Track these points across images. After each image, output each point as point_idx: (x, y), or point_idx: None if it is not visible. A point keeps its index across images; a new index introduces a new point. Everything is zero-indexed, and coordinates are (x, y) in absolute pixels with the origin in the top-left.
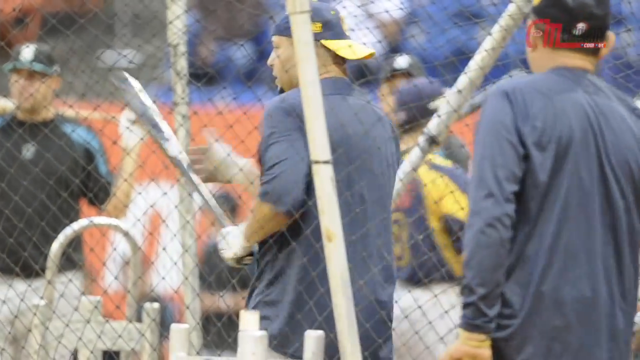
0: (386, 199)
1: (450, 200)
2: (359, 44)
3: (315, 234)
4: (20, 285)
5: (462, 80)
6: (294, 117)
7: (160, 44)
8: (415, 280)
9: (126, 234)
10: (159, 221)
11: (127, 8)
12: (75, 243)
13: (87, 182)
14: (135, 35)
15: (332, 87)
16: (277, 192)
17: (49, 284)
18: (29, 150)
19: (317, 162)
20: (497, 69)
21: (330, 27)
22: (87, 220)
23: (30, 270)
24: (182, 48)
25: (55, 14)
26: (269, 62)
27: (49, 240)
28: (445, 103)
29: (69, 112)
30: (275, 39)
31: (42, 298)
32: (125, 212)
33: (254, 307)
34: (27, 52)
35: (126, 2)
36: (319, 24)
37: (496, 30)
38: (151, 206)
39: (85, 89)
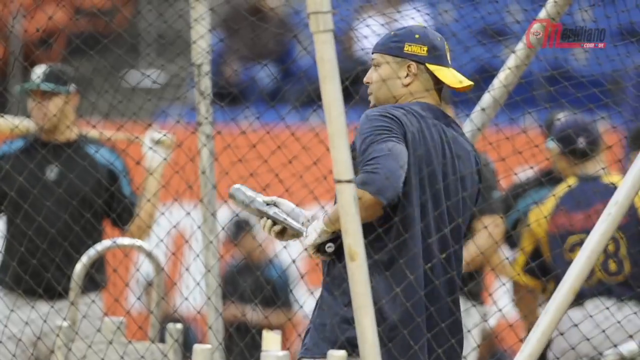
0: (460, 229)
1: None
2: (461, 75)
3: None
4: (43, 306)
5: (486, 99)
6: (396, 122)
7: (184, 63)
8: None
9: (149, 255)
10: (182, 241)
11: (151, 28)
12: (98, 264)
13: (110, 202)
14: (159, 55)
15: (426, 109)
16: (379, 182)
17: (72, 305)
18: (52, 171)
19: (339, 181)
20: (520, 87)
21: (435, 52)
22: (110, 241)
23: (54, 291)
24: (206, 67)
25: (79, 34)
26: (365, 79)
27: (72, 262)
28: (469, 122)
29: (92, 133)
30: (376, 56)
31: (65, 319)
32: (149, 232)
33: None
34: (38, 72)
35: (150, 22)
36: (426, 48)
37: (520, 48)
38: (174, 226)
39: (109, 109)
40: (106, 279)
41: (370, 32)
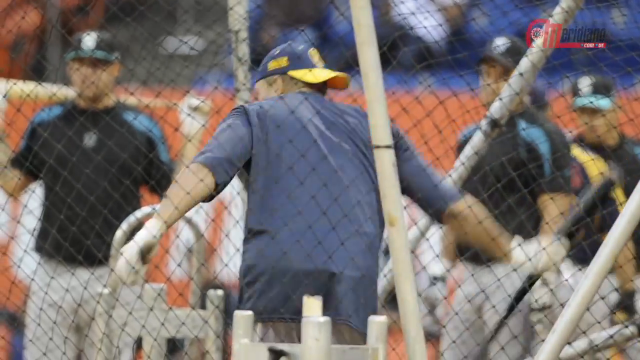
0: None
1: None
2: (323, 71)
3: None
4: (84, 273)
5: (524, 64)
6: (243, 110)
7: (222, 30)
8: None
9: (189, 222)
10: (221, 208)
11: None
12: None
13: (148, 169)
14: (197, 21)
15: (299, 97)
16: (210, 161)
17: (112, 272)
18: (91, 138)
19: (378, 146)
20: (558, 52)
21: (296, 59)
22: (149, 207)
23: (94, 258)
24: (244, 34)
25: (116, 1)
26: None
27: (112, 229)
28: (507, 86)
29: (130, 100)
30: (256, 86)
31: (105, 286)
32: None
33: None
34: (89, 40)
35: None
36: (285, 58)
37: (557, 12)
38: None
39: (147, 76)
40: None
41: None
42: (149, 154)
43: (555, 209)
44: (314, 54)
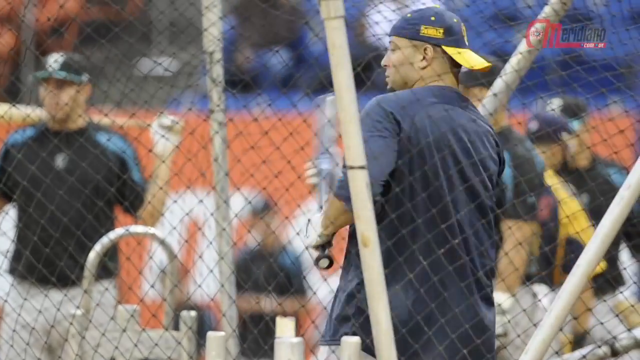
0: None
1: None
2: (477, 56)
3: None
4: (57, 294)
5: (498, 84)
6: (388, 118)
7: (196, 51)
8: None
9: (162, 243)
10: (195, 229)
11: (163, 16)
12: (111, 252)
13: (122, 190)
14: (171, 42)
15: (438, 95)
16: (348, 191)
17: (85, 293)
18: (63, 160)
19: (352, 167)
20: (532, 72)
21: (451, 34)
22: (123, 229)
23: (66, 279)
24: (218, 55)
25: (91, 22)
26: (383, 62)
27: (85, 250)
28: (481, 107)
29: (102, 120)
30: (393, 39)
31: (78, 307)
32: (159, 218)
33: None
34: (54, 61)
35: (162, 10)
36: (442, 30)
37: (547, 11)
38: (187, 214)
39: (122, 97)
40: (119, 267)
41: (381, 18)
42: (122, 174)
43: (514, 236)
44: (465, 32)
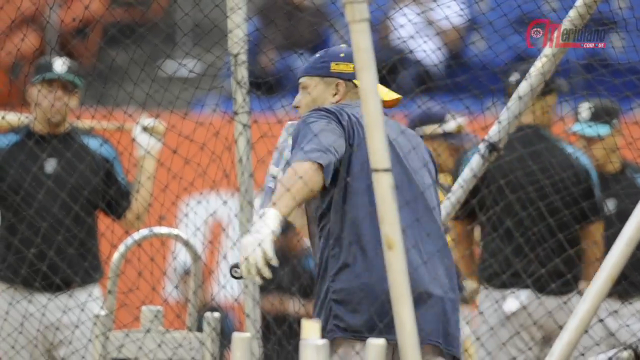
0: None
1: None
2: (387, 89)
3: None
4: (61, 298)
5: (523, 87)
6: (332, 113)
7: (221, 53)
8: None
9: (186, 244)
10: (219, 230)
11: (188, 17)
12: (92, 255)
13: (109, 192)
14: (196, 44)
15: (358, 107)
16: (317, 151)
17: (109, 294)
18: (52, 164)
19: (377, 170)
20: (557, 75)
21: None
22: (147, 230)
23: (71, 283)
24: (243, 57)
25: (115, 23)
26: (294, 104)
27: (82, 253)
28: (506, 110)
29: (82, 123)
30: (304, 80)
31: (102, 308)
32: (144, 220)
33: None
34: (62, 63)
35: (186, 12)
36: (352, 65)
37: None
38: (211, 215)
39: (146, 99)
40: (102, 269)
41: (406, 20)
42: (109, 177)
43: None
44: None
